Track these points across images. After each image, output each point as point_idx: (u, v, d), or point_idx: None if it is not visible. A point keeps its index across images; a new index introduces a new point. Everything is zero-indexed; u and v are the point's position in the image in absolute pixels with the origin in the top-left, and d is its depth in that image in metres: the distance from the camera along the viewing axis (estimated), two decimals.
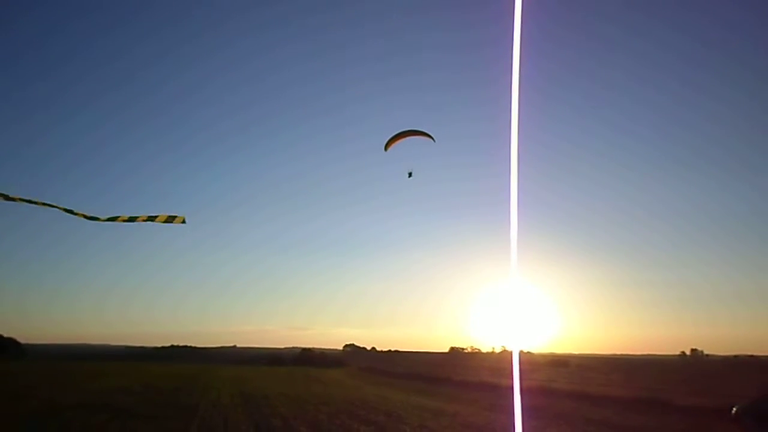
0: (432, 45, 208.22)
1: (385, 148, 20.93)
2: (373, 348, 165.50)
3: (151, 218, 8.59)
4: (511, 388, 4.35)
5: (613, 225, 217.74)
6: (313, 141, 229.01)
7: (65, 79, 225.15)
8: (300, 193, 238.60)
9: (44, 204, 8.01)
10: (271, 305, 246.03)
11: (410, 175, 21.04)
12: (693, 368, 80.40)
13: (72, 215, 8.23)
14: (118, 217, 8.45)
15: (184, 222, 8.76)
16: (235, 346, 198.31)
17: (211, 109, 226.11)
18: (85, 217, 8.25)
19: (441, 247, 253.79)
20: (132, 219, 8.46)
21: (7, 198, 7.66)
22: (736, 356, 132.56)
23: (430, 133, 20.77)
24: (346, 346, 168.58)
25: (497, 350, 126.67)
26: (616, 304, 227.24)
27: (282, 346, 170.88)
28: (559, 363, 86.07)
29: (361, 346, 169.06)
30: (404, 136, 20.80)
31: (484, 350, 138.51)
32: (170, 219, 8.72)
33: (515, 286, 4.54)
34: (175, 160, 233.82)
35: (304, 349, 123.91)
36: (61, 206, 8.10)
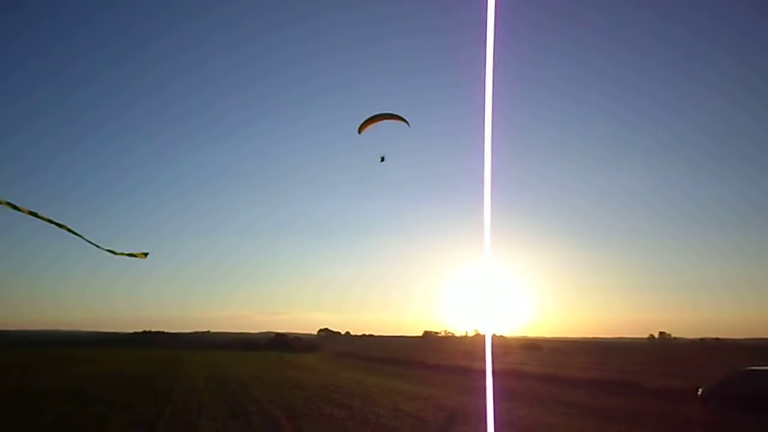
0: (404, 31, 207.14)
1: (359, 131, 20.84)
2: (348, 332, 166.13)
3: (112, 252, 8.44)
4: (484, 371, 4.40)
5: (584, 211, 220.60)
6: (285, 128, 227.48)
7: (42, 73, 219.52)
8: (273, 179, 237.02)
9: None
10: (245, 290, 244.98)
11: (383, 159, 20.93)
12: (661, 351, 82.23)
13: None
14: (82, 236, 8.24)
15: (145, 256, 8.67)
16: (208, 332, 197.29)
17: (186, 101, 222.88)
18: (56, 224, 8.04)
19: (414, 231, 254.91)
20: (93, 244, 8.27)
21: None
22: (702, 339, 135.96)
23: (404, 117, 20.71)
24: (321, 330, 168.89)
25: (470, 334, 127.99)
26: (587, 289, 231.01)
27: (256, 331, 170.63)
28: (532, 346, 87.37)
29: (336, 330, 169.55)
30: (378, 120, 20.72)
31: (457, 334, 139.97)
32: (132, 255, 8.61)
33: (488, 271, 4.57)
34: (151, 151, 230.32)
35: (279, 334, 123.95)
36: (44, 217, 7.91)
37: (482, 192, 4.37)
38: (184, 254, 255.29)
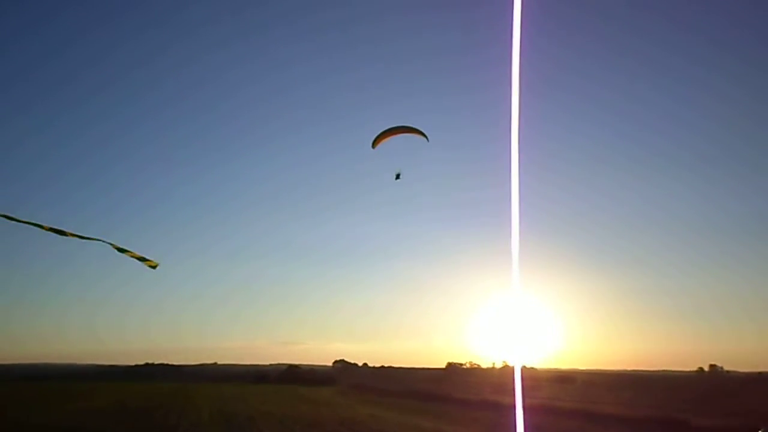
0: (428, 48, 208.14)
1: (373, 145, 20.73)
2: (365, 364, 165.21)
3: (123, 250, 8.52)
4: (513, 406, 4.44)
5: (622, 230, 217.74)
6: (299, 147, 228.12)
7: (49, 80, 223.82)
8: (284, 199, 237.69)
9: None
10: (255, 319, 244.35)
11: (398, 176, 20.86)
12: (712, 385, 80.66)
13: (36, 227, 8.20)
14: (89, 238, 8.37)
15: (154, 268, 8.73)
16: (215, 363, 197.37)
17: (193, 122, 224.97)
18: (52, 230, 8.22)
19: (436, 256, 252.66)
20: (101, 241, 8.37)
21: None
22: (760, 373, 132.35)
23: (422, 131, 20.64)
24: (336, 362, 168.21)
25: (498, 365, 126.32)
26: (626, 315, 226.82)
27: (267, 363, 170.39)
28: (564, 379, 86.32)
29: (352, 362, 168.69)
30: (394, 133, 20.61)
31: (483, 366, 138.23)
32: (142, 259, 8.65)
33: (517, 297, 4.65)
34: (156, 173, 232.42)
35: (291, 366, 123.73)
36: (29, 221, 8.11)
37: (510, 215, 4.48)
38: (188, 282, 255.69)
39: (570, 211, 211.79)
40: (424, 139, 20.86)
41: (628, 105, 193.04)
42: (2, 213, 7.93)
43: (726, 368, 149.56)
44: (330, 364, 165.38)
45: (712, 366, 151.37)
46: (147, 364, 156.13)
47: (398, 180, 21.32)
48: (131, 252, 8.67)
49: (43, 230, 8.24)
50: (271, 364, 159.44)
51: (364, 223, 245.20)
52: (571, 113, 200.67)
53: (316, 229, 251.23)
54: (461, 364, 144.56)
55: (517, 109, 4.06)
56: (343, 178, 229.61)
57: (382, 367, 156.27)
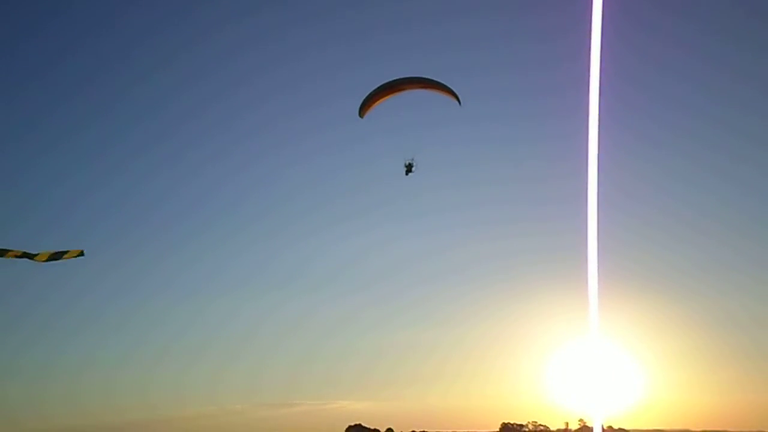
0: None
1: (361, 113, 16.01)
2: (390, 430, 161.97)
3: (29, 255, 8.17)
4: None
5: (721, 255, 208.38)
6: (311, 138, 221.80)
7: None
8: (270, 208, 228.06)
9: None
10: (229, 374, 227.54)
11: (410, 169, 16.87)
12: None
13: None
14: (7, 251, 8.14)
15: (82, 254, 8.52)
16: None
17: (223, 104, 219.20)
18: None
19: (489, 281, 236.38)
20: (28, 256, 8.12)
21: None
22: None
23: (449, 87, 15.70)
24: (351, 427, 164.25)
25: (572, 427, 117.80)
26: (725, 362, 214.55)
27: None
28: None
29: (372, 428, 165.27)
30: (397, 90, 15.39)
31: (552, 427, 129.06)
32: (58, 255, 8.34)
33: (596, 341, 4.33)
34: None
35: None
36: None
37: (585, 252, 4.30)
38: (142, 326, 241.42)
39: (657, 237, 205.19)
40: (455, 99, 15.96)
41: (697, 130, 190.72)
42: None
43: None
44: (342, 431, 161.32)
45: None
46: None
47: (410, 175, 17.22)
48: (48, 252, 8.33)
49: None
50: None
51: (379, 241, 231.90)
52: (649, 144, 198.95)
53: (316, 251, 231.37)
54: (521, 426, 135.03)
55: (595, 143, 4.02)
56: (350, 179, 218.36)
57: None
